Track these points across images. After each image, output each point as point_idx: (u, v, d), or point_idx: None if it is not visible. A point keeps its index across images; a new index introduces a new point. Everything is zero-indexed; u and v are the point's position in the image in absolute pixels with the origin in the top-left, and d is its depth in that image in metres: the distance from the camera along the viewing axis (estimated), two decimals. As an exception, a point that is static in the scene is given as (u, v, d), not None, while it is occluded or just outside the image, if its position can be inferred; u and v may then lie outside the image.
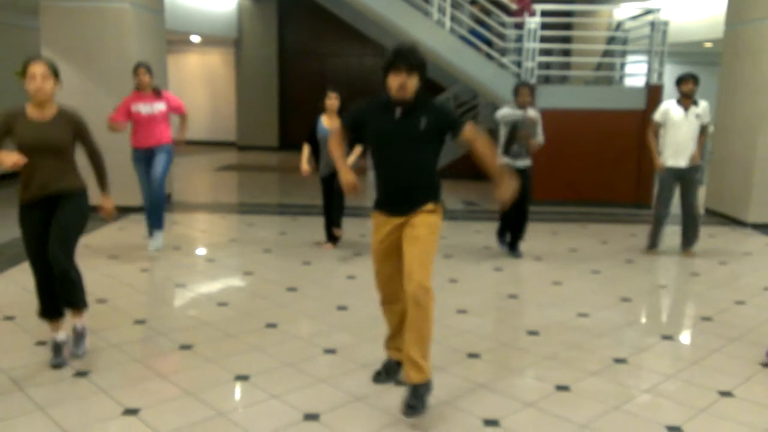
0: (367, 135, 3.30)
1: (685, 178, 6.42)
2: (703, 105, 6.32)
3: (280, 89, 16.12)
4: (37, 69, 3.49)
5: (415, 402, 3.07)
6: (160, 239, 6.31)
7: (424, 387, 3.12)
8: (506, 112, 6.25)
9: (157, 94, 6.09)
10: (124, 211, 7.80)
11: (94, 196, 3.89)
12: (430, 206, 3.22)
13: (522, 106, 6.23)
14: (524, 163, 6.32)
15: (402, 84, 3.06)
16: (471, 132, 3.21)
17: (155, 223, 6.29)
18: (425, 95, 3.22)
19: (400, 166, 3.21)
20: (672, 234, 6.93)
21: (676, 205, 6.62)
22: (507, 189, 3.25)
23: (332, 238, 6.62)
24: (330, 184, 6.37)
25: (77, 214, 3.70)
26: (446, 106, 3.31)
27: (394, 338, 3.51)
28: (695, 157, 6.31)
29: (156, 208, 6.24)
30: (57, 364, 3.66)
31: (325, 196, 6.53)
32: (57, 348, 3.73)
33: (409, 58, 3.05)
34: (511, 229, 6.57)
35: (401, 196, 3.23)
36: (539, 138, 6.36)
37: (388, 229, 3.27)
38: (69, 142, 3.65)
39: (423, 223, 3.18)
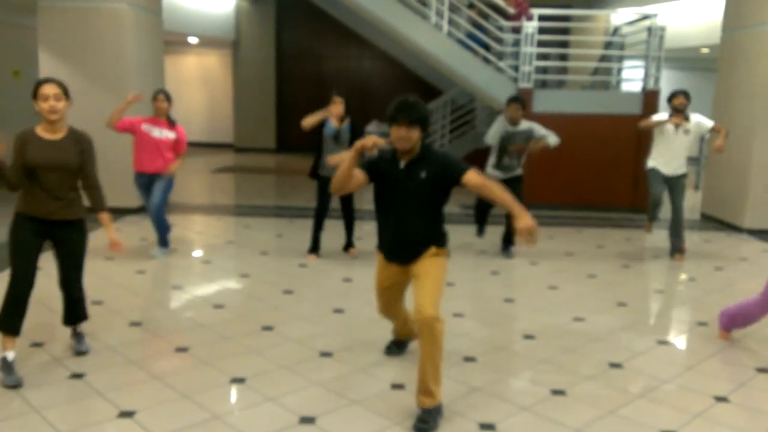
0: (377, 183, 3.35)
1: (673, 181, 6.50)
2: (694, 119, 6.37)
3: (277, 91, 16.11)
4: (50, 90, 3.53)
5: (428, 417, 3.13)
6: (161, 253, 6.28)
7: (435, 410, 3.18)
8: (495, 129, 6.30)
9: (171, 123, 6.06)
10: (120, 212, 7.80)
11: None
12: (432, 250, 3.30)
13: (514, 121, 6.26)
14: (515, 174, 6.41)
15: (403, 137, 3.15)
16: (475, 179, 3.17)
17: (160, 240, 6.30)
18: (429, 147, 3.30)
19: (403, 216, 3.29)
20: (664, 239, 6.95)
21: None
22: (524, 223, 3.11)
23: (316, 249, 6.35)
24: (327, 188, 6.20)
25: (84, 243, 3.81)
26: (449, 156, 3.35)
27: (399, 330, 3.94)
28: (720, 146, 6.31)
29: (159, 230, 6.25)
30: (15, 383, 3.46)
31: (319, 198, 6.20)
32: (9, 367, 3.54)
33: (409, 113, 3.12)
34: (506, 226, 6.63)
35: (403, 246, 3.35)
36: (552, 139, 6.31)
37: (390, 272, 3.50)
38: (77, 162, 3.65)
39: (429, 263, 3.28)
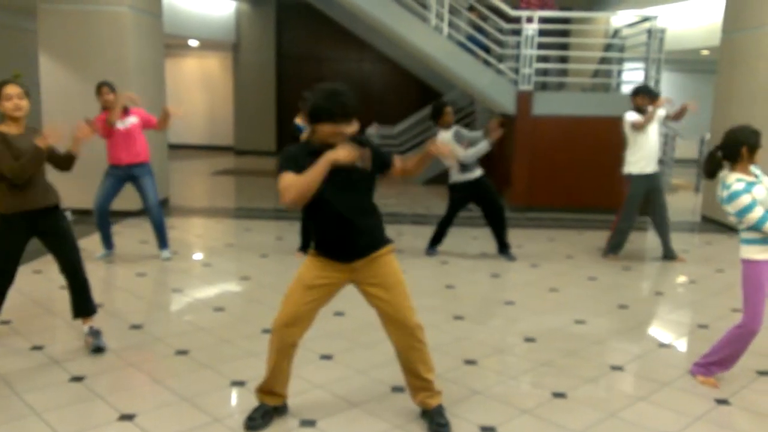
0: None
1: (654, 185, 6.50)
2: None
3: (277, 94, 16.13)
4: (13, 90, 3.79)
5: (445, 420, 3.15)
6: (167, 253, 6.29)
7: (441, 405, 3.22)
8: (443, 138, 6.23)
9: (125, 112, 5.96)
10: (120, 215, 7.79)
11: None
12: (386, 249, 3.08)
13: (447, 125, 6.25)
14: (477, 173, 6.38)
15: (343, 133, 2.86)
16: (399, 161, 3.13)
17: (161, 242, 6.30)
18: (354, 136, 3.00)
19: (347, 213, 2.94)
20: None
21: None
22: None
23: (307, 247, 6.35)
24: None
25: (70, 227, 4.05)
26: (374, 144, 3.12)
27: (273, 383, 3.16)
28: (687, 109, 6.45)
29: (159, 230, 6.25)
30: None
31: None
32: None
33: (345, 107, 2.83)
34: (494, 233, 6.62)
35: (349, 243, 2.99)
36: (459, 154, 6.22)
37: (329, 272, 3.06)
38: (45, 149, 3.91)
39: (390, 271, 3.07)
